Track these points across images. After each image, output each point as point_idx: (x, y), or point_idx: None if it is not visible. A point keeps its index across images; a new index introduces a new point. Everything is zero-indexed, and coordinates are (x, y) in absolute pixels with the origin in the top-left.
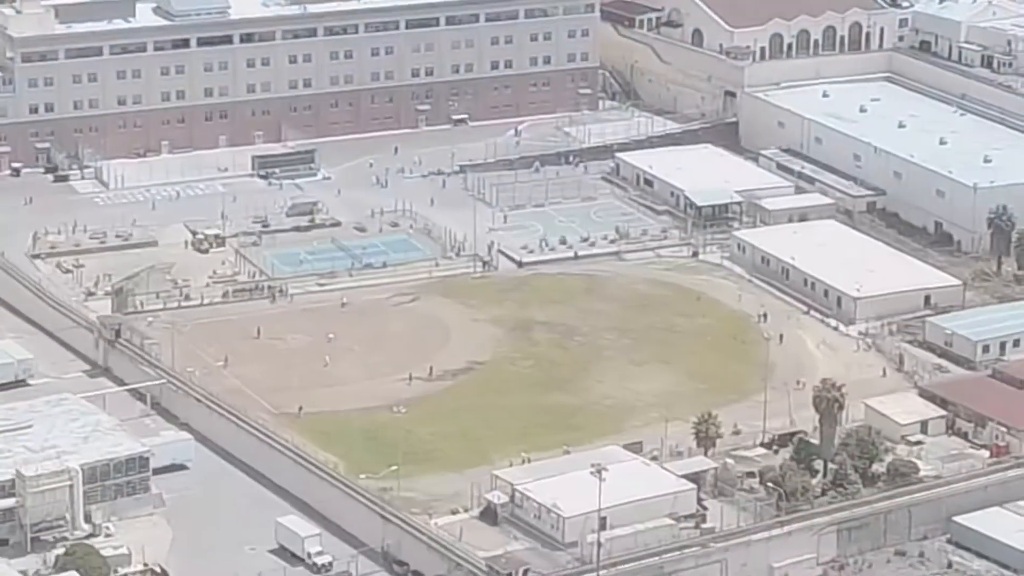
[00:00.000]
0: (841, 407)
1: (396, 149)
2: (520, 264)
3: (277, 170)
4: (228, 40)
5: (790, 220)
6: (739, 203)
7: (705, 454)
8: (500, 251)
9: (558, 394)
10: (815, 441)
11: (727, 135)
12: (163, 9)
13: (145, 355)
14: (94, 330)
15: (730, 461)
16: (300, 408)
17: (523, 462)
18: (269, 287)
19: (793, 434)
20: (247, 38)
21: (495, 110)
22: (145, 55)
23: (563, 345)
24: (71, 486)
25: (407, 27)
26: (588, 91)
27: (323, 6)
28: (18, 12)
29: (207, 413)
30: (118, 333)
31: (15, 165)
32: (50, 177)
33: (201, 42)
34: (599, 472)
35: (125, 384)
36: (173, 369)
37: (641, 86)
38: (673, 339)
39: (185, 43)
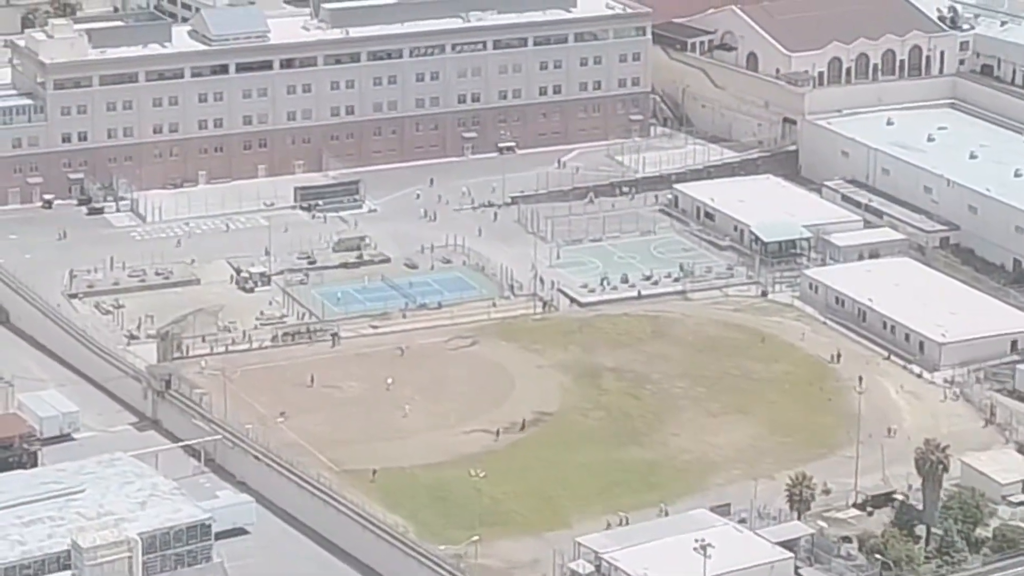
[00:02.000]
0: (946, 469)
1: (432, 181)
2: (581, 304)
3: (320, 202)
4: (268, 66)
5: (860, 256)
6: (807, 238)
7: (799, 517)
8: (560, 290)
9: (633, 448)
10: (916, 504)
11: (786, 164)
12: (199, 33)
13: (197, 408)
14: (142, 380)
15: (824, 524)
16: (375, 472)
17: (617, 523)
18: (323, 330)
19: (888, 494)
20: (287, 63)
21: (543, 137)
22: (182, 81)
23: (634, 394)
24: (130, 557)
25: (453, 51)
26: (639, 117)
27: (366, 30)
28: (50, 36)
29: (266, 471)
30: (168, 384)
31: (47, 197)
32: (84, 210)
33: (240, 68)
34: (704, 549)
35: (175, 437)
36: (226, 422)
37: (693, 112)
38: (749, 386)
39: (223, 69)
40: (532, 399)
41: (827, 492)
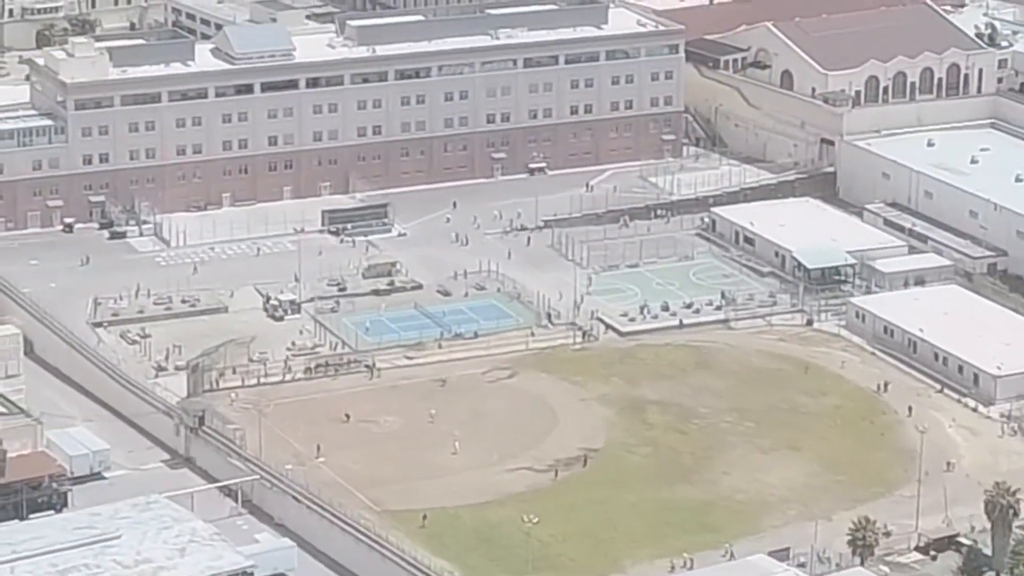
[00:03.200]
0: (1016, 513)
1: (455, 204)
2: (621, 334)
3: (349, 225)
4: (294, 85)
5: (906, 284)
6: (851, 265)
7: (862, 563)
8: (599, 319)
9: (683, 487)
10: (983, 548)
11: (824, 186)
12: (222, 51)
13: (233, 446)
14: (174, 416)
15: (886, 570)
16: (425, 517)
17: (681, 565)
18: (358, 361)
19: (951, 537)
20: (313, 82)
21: (574, 158)
22: (206, 101)
23: (681, 429)
24: None
25: (482, 69)
26: (672, 137)
27: (393, 47)
28: (70, 55)
29: (306, 513)
30: (202, 420)
31: (68, 220)
32: (106, 233)
33: (265, 87)
34: None
35: (209, 475)
36: (261, 459)
37: (726, 131)
38: (799, 421)
39: (248, 88)
40: (576, 435)
41: (887, 534)
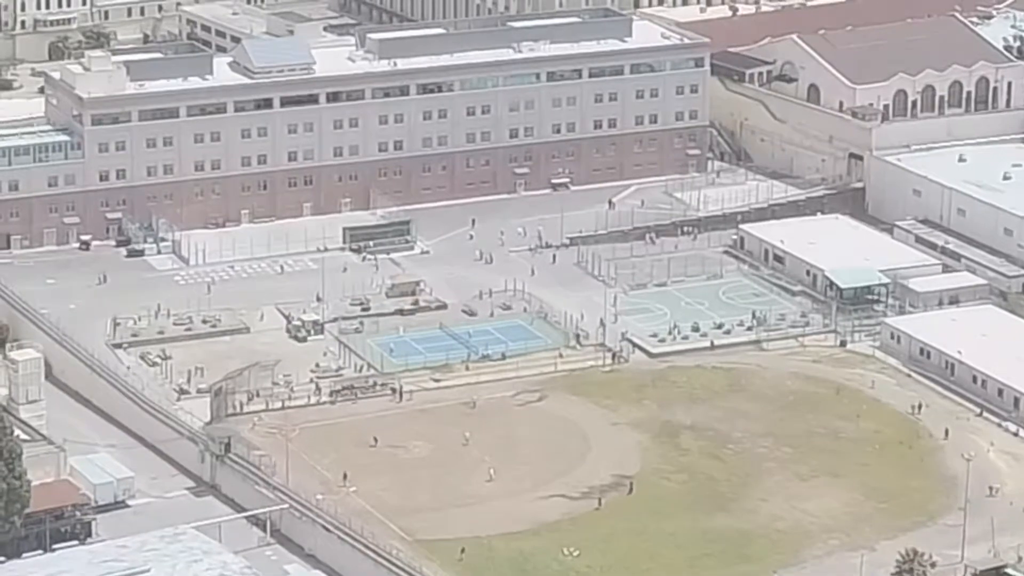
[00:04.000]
0: None
1: (473, 221)
2: (651, 355)
3: (371, 243)
4: (314, 99)
5: (940, 303)
6: (884, 284)
7: None
8: (628, 339)
9: (721, 516)
10: None
11: (852, 202)
12: (241, 65)
13: (260, 473)
14: (199, 443)
15: None
16: (463, 550)
17: None
18: (384, 384)
19: (998, 568)
20: (334, 97)
21: (597, 173)
22: (225, 116)
23: (716, 455)
24: None
25: (505, 84)
26: (696, 152)
27: (414, 61)
28: (86, 69)
29: (337, 544)
30: (228, 447)
31: (84, 238)
32: (123, 251)
33: (285, 102)
34: None
35: (236, 504)
36: (289, 487)
37: (751, 146)
38: (837, 447)
39: (268, 103)
40: (610, 460)
41: (933, 565)
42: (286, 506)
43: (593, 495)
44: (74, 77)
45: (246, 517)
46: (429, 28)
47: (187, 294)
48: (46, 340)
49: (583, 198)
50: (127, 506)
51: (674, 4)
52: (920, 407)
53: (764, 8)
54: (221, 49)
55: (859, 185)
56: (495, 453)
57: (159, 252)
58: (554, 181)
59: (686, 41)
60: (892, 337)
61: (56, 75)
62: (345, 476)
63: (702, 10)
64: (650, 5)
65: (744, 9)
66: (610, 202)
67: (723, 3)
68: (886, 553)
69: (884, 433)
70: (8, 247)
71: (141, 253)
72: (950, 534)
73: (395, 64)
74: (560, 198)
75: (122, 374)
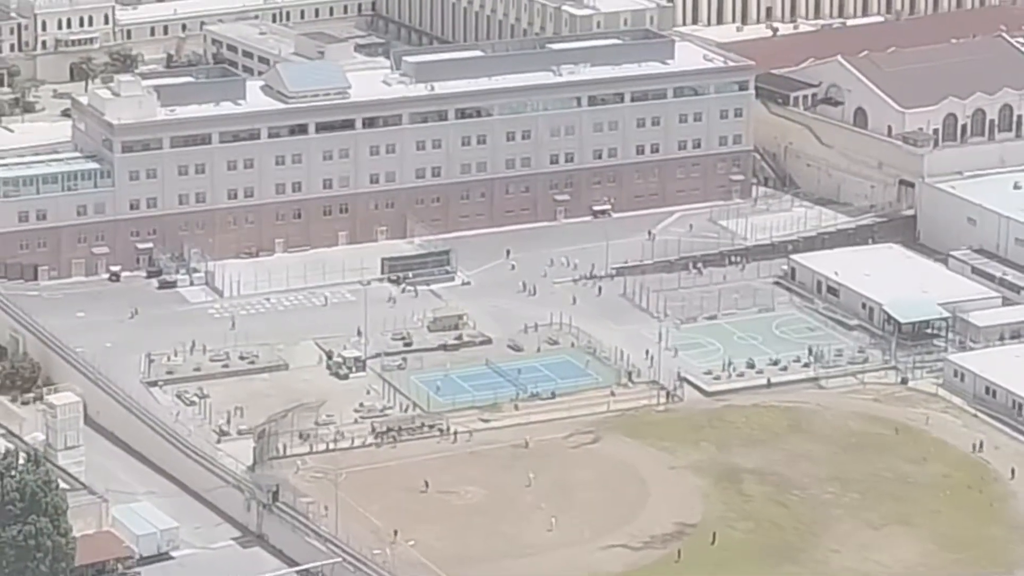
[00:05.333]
0: None
1: (508, 252)
2: (707, 393)
3: (410, 274)
4: (350, 125)
5: (1001, 338)
6: (945, 318)
7: None
8: (683, 377)
9: (791, 567)
10: None
11: (904, 230)
12: (274, 89)
13: (310, 524)
14: (245, 490)
15: None
16: None
17: None
18: (432, 425)
19: None
20: (370, 122)
21: (639, 200)
22: (259, 143)
23: (781, 501)
24: None
25: (545, 108)
26: (740, 177)
27: (452, 84)
28: (116, 94)
29: None
30: (276, 496)
31: (114, 269)
32: (154, 283)
33: (320, 127)
34: None
35: (284, 555)
36: (339, 537)
37: (796, 171)
38: (906, 492)
39: (302, 129)
40: (671, 508)
41: None
42: (340, 560)
43: (656, 545)
44: (103, 102)
45: (298, 571)
46: (466, 50)
47: (222, 328)
48: (80, 379)
49: (625, 226)
50: (171, 558)
51: (708, 23)
52: (981, 445)
53: (802, 28)
54: (248, 70)
55: (910, 213)
56: (550, 499)
57: (192, 284)
58: (595, 208)
59: (730, 64)
60: (956, 375)
61: (84, 100)
62: (396, 533)
63: (738, 29)
64: (684, 23)
65: (782, 28)
66: (650, 233)
67: (759, 22)
68: None
69: (953, 477)
70: (36, 278)
71: (173, 285)
72: None
73: (432, 88)
74: (601, 226)
75: (161, 416)
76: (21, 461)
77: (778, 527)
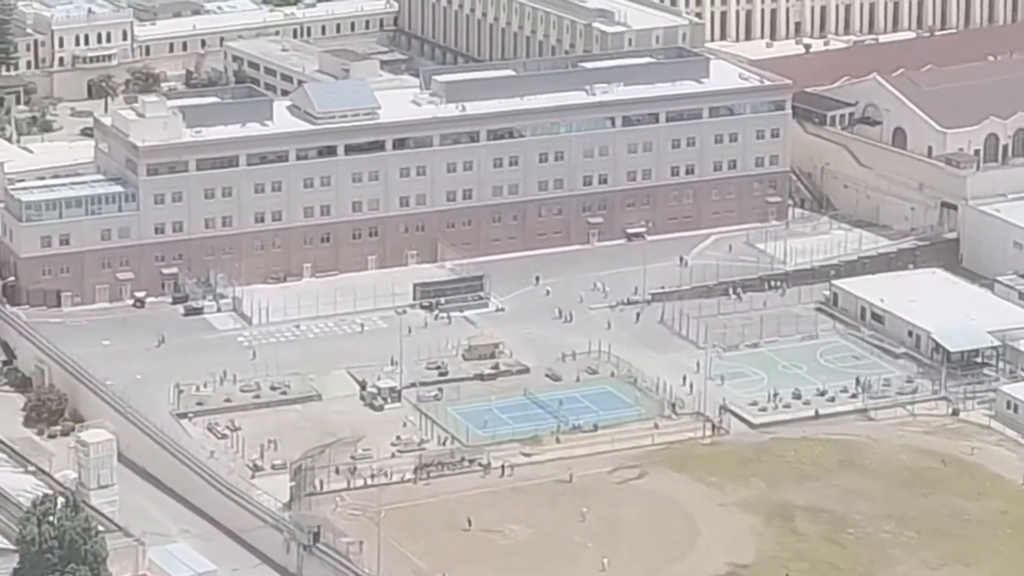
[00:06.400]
0: None
1: (537, 279)
2: (753, 426)
3: (443, 299)
4: (380, 146)
5: None
6: (995, 347)
7: None
8: (728, 409)
9: None
10: None
11: (946, 254)
12: (302, 110)
13: (353, 567)
14: (284, 530)
15: None
16: None
17: None
18: (472, 459)
19: None
20: (400, 144)
21: (674, 222)
22: (287, 165)
23: (836, 540)
24: None
25: (578, 129)
26: (777, 199)
27: (484, 105)
28: (140, 115)
29: None
30: (317, 537)
31: (139, 294)
32: (180, 309)
33: (349, 149)
34: None
35: None
36: None
37: (833, 192)
38: (964, 531)
39: (331, 151)
40: (722, 547)
41: None
42: None
43: None
44: (127, 123)
45: None
46: (496, 69)
47: (251, 357)
48: (109, 412)
49: (659, 249)
50: None
51: (737, 39)
52: None
53: (833, 43)
54: (271, 87)
55: (952, 236)
56: (597, 538)
57: (219, 310)
58: (629, 231)
59: (766, 83)
60: (1008, 406)
61: (107, 120)
62: None
63: (768, 45)
64: (712, 39)
65: (813, 44)
66: (682, 259)
67: (788, 37)
68: None
69: (1011, 513)
70: (59, 304)
71: (200, 311)
72: None
73: (463, 108)
74: (636, 249)
75: (193, 451)
76: (58, 505)
77: (835, 568)
